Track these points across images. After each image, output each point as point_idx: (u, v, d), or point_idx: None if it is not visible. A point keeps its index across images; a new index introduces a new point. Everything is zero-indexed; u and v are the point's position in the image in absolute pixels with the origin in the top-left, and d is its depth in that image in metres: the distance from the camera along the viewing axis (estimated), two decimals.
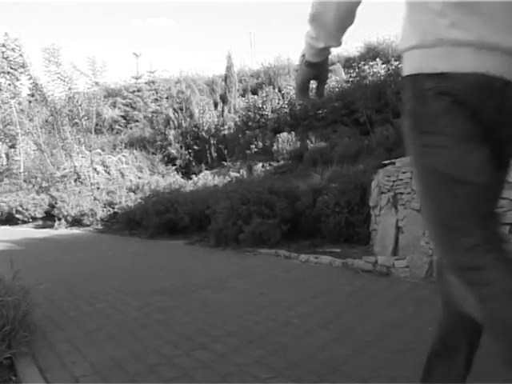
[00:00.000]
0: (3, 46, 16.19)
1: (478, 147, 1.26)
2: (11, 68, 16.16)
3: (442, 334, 1.65)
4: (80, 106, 13.98)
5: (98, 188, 11.94)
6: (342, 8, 1.30)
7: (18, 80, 16.53)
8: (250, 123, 13.45)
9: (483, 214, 1.27)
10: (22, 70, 16.24)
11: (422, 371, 1.64)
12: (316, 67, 1.46)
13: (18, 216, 11.88)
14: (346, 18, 1.33)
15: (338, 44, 1.39)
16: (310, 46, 1.39)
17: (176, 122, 14.76)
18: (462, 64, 1.24)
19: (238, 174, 10.91)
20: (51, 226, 11.03)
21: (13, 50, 16.29)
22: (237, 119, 14.35)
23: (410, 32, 1.31)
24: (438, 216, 1.32)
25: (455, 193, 1.28)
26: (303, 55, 1.44)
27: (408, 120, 1.31)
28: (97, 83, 14.67)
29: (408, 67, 1.32)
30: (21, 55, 16.09)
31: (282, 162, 11.03)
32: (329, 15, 1.30)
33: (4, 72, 16.03)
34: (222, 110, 15.47)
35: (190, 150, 13.99)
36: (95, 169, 12.75)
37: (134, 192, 11.25)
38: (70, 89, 13.80)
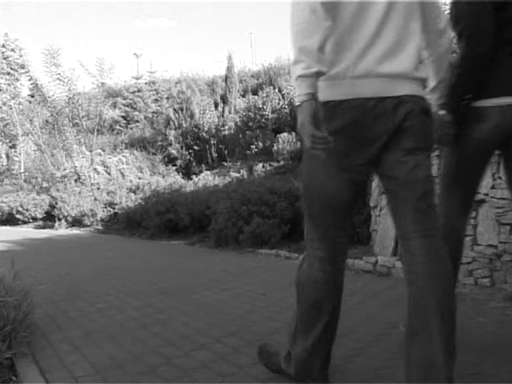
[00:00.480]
0: (3, 46, 16.22)
1: (349, 167, 1.69)
2: (11, 69, 16.18)
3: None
4: (80, 106, 13.98)
5: (98, 188, 11.94)
6: (322, 40, 1.54)
7: (17, 81, 16.55)
8: (250, 123, 13.44)
9: (334, 223, 1.80)
10: (22, 70, 16.26)
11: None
12: (311, 100, 1.57)
13: (18, 216, 11.88)
14: (323, 49, 1.57)
15: (325, 68, 1.59)
16: (303, 79, 1.56)
17: (176, 123, 14.76)
18: (348, 92, 1.63)
19: (238, 175, 10.91)
20: (51, 227, 11.03)
21: (12, 50, 16.31)
22: (237, 119, 14.34)
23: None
24: (307, 203, 1.85)
25: (320, 202, 1.80)
26: (299, 102, 1.60)
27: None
28: (103, 84, 14.70)
29: (322, 95, 1.62)
30: (21, 56, 16.11)
31: (282, 163, 11.03)
32: (312, 46, 1.53)
33: (4, 73, 16.05)
34: (223, 111, 15.47)
35: (190, 151, 13.99)
36: (95, 169, 12.75)
37: (134, 192, 11.25)
38: (69, 90, 13.81)
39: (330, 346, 1.92)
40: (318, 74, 1.56)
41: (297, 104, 1.62)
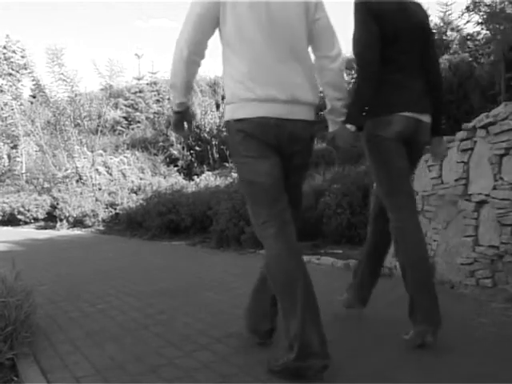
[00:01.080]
0: (4, 47, 16.25)
1: (265, 160, 2.12)
2: (12, 69, 16.21)
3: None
4: (82, 106, 14.00)
5: (99, 189, 11.95)
6: (184, 81, 2.22)
7: (19, 82, 16.58)
8: None
9: (270, 202, 2.13)
10: (23, 71, 16.29)
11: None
12: (180, 114, 2.36)
13: (19, 217, 11.90)
14: (187, 85, 2.26)
15: (188, 99, 2.33)
16: (173, 102, 2.33)
17: None
18: (250, 112, 2.09)
19: None
20: (53, 227, 11.04)
21: (14, 52, 16.34)
22: None
23: (226, 92, 2.19)
24: (248, 204, 2.21)
25: (253, 189, 2.15)
26: (172, 115, 2.41)
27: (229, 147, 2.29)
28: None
29: (226, 115, 2.23)
30: (22, 57, 16.13)
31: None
32: (178, 84, 2.23)
33: (5, 74, 16.07)
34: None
35: (191, 151, 13.99)
36: (97, 170, 12.76)
37: (135, 193, 11.25)
38: (72, 90, 13.83)
39: (317, 320, 2.05)
40: (182, 104, 2.31)
41: (172, 117, 2.43)
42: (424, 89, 2.52)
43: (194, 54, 2.14)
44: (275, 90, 2.08)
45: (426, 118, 2.52)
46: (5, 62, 16.11)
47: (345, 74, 2.55)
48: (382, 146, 2.47)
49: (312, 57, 2.26)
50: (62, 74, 13.72)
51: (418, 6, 2.57)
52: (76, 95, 13.97)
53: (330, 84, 2.29)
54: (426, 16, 2.60)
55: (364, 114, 2.45)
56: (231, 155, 2.37)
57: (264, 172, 2.11)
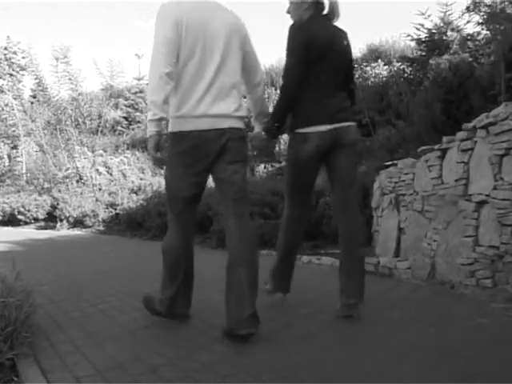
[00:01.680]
0: (5, 48, 16.26)
1: (194, 169, 2.64)
2: (13, 70, 16.22)
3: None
4: (83, 106, 13.99)
5: (99, 189, 11.95)
6: (164, 97, 2.48)
7: (20, 82, 16.60)
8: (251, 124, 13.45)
9: (184, 203, 2.71)
10: (24, 72, 16.30)
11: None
12: (158, 132, 2.56)
13: (20, 217, 11.89)
14: (166, 101, 2.52)
15: (167, 115, 2.58)
16: (152, 120, 2.53)
17: None
18: (190, 125, 2.56)
19: None
20: (53, 227, 11.04)
21: (15, 53, 16.36)
22: None
23: (171, 107, 2.59)
24: (167, 197, 2.81)
25: (174, 190, 2.70)
26: (149, 135, 2.57)
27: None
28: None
29: (169, 127, 2.65)
30: (23, 57, 16.16)
31: (284, 164, 11.03)
32: (159, 100, 2.48)
33: (5, 73, 16.09)
34: None
35: None
36: (97, 170, 12.76)
37: (135, 193, 11.25)
38: (76, 90, 13.83)
39: (189, 294, 2.90)
40: (161, 119, 2.53)
41: (148, 136, 2.58)
42: (342, 103, 2.97)
43: (169, 75, 2.49)
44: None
45: (344, 124, 2.91)
46: (5, 62, 16.12)
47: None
48: (296, 162, 2.96)
49: (240, 83, 2.80)
50: (68, 72, 13.74)
51: (344, 33, 3.02)
52: (80, 94, 13.96)
53: (256, 104, 2.99)
54: (349, 43, 3.03)
55: (276, 126, 2.95)
56: (169, 158, 2.77)
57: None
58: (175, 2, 2.60)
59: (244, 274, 2.52)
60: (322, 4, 2.95)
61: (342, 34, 2.98)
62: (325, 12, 2.96)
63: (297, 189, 3.06)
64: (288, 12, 3.03)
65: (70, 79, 13.71)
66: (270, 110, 3.06)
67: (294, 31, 2.84)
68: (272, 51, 35.78)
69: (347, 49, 3.01)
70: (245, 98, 3.36)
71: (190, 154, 2.58)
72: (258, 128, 3.03)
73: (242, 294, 2.51)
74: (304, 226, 3.27)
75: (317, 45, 2.80)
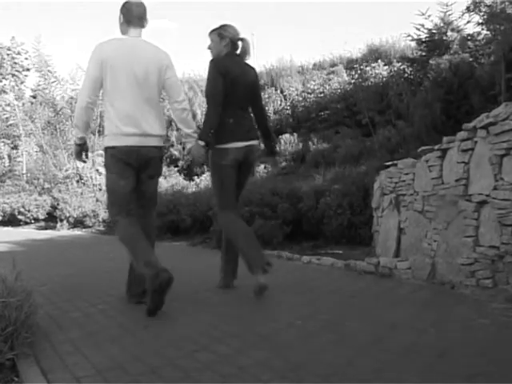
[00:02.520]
0: (9, 49, 16.26)
1: (127, 176, 3.27)
2: (16, 71, 16.22)
3: None
4: None
5: (100, 189, 11.94)
6: (85, 122, 3.34)
7: (22, 83, 16.60)
8: None
9: (123, 203, 3.28)
10: (26, 72, 16.31)
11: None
12: (80, 146, 3.51)
13: (20, 217, 11.89)
14: (87, 125, 3.40)
15: (86, 135, 3.51)
16: (75, 136, 3.49)
17: None
18: (119, 142, 3.23)
19: None
20: (53, 227, 11.04)
21: (19, 53, 16.36)
22: None
23: (106, 127, 3.30)
24: (109, 200, 3.41)
25: (115, 194, 3.32)
26: (74, 147, 3.59)
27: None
28: None
29: (105, 143, 3.36)
30: (26, 58, 16.16)
31: (284, 164, 11.02)
32: (80, 124, 3.35)
33: (8, 73, 16.08)
34: None
35: None
36: (97, 170, 12.75)
37: None
38: (73, 90, 13.84)
39: (152, 256, 3.24)
40: (82, 138, 3.45)
41: (74, 147, 3.66)
42: (251, 123, 3.77)
43: (91, 104, 3.28)
44: (134, 128, 3.26)
45: (254, 142, 3.72)
46: (9, 62, 16.12)
47: None
48: (222, 171, 3.63)
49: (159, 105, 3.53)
50: (56, 77, 13.80)
51: (253, 69, 3.87)
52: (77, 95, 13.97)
53: (178, 119, 3.54)
54: (256, 76, 3.91)
55: (211, 133, 3.53)
56: (106, 168, 3.48)
57: (123, 184, 3.29)
58: (105, 44, 3.30)
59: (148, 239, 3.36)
60: (236, 44, 3.69)
61: (250, 70, 3.81)
62: (238, 51, 3.73)
63: (224, 191, 3.69)
64: (209, 48, 3.71)
65: (58, 83, 13.76)
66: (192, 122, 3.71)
67: (213, 64, 3.58)
68: (272, 52, 35.79)
69: (255, 81, 3.85)
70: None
71: (123, 161, 3.28)
72: (189, 143, 3.66)
73: (149, 248, 3.30)
74: (242, 222, 3.82)
75: (230, 76, 3.53)
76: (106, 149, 3.34)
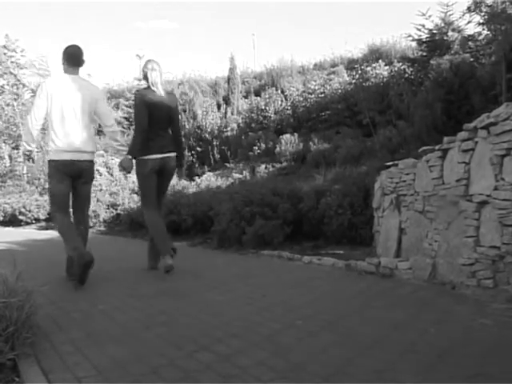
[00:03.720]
0: (4, 47, 16.26)
1: (65, 183, 4.28)
2: (13, 69, 16.23)
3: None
4: None
5: (100, 190, 11.94)
6: (32, 139, 4.41)
7: (19, 81, 16.60)
8: (252, 125, 13.45)
9: (62, 203, 4.31)
10: (23, 70, 16.32)
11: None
12: (28, 155, 4.55)
13: (21, 217, 11.89)
14: (33, 140, 4.43)
15: (33, 148, 4.52)
16: (25, 148, 4.51)
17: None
18: (59, 156, 4.24)
19: (240, 176, 10.90)
20: (54, 228, 11.01)
21: (14, 50, 16.36)
22: (240, 121, 14.34)
23: (49, 145, 4.31)
24: (51, 200, 4.50)
25: (55, 196, 4.35)
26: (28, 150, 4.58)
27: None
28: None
29: (48, 157, 4.38)
30: (22, 56, 16.17)
31: (284, 164, 11.02)
32: (29, 140, 4.43)
33: (6, 73, 16.09)
34: (225, 112, 15.46)
35: (192, 152, 13.99)
36: (98, 170, 12.75)
37: (136, 194, 11.23)
38: None
39: (81, 245, 4.22)
40: (30, 151, 4.44)
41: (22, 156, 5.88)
42: (169, 141, 4.72)
43: (36, 126, 4.29)
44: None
45: (169, 155, 4.67)
46: (5, 60, 16.13)
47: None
48: (143, 177, 4.67)
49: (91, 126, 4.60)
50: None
51: (173, 95, 5.08)
52: None
53: (111, 139, 4.71)
54: (174, 102, 4.87)
55: (138, 149, 4.53)
56: (48, 176, 4.46)
57: (62, 189, 4.28)
58: (50, 80, 4.59)
59: (83, 232, 4.45)
60: (147, 77, 4.64)
61: (169, 96, 4.78)
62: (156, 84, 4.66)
63: (148, 193, 4.72)
64: (139, 81, 5.07)
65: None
66: (121, 139, 4.81)
67: (137, 95, 4.64)
68: (273, 52, 35.78)
69: (172, 107, 4.73)
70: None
71: (62, 170, 4.24)
72: (119, 156, 4.98)
73: (78, 237, 4.25)
74: (162, 219, 4.88)
75: (149, 104, 4.53)
76: (49, 161, 4.31)
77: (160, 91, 4.61)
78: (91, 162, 4.47)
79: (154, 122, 4.55)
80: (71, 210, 4.53)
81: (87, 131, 4.36)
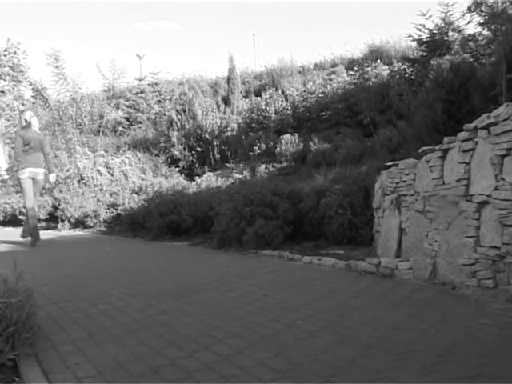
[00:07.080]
0: (5, 50, 16.31)
1: (30, 185, 7.80)
2: (13, 71, 16.26)
3: None
4: (83, 107, 14.00)
5: (101, 189, 11.94)
6: (17, 161, 7.95)
7: (20, 82, 16.64)
8: (253, 125, 13.44)
9: (30, 197, 7.97)
10: (24, 73, 16.35)
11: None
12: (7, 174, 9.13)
13: (21, 217, 11.87)
14: (18, 163, 7.98)
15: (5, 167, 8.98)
16: (2, 168, 9.19)
17: (179, 124, 14.74)
18: (26, 174, 7.74)
19: (241, 176, 10.90)
20: (54, 228, 11.04)
21: (15, 53, 16.40)
22: (240, 121, 14.34)
23: (20, 166, 7.84)
24: (24, 195, 8.01)
25: (27, 194, 7.93)
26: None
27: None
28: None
29: (18, 175, 8.02)
30: (24, 58, 16.20)
31: (285, 164, 11.02)
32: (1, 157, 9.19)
33: (7, 74, 16.13)
34: (225, 112, 15.45)
35: (193, 152, 13.99)
36: (98, 170, 12.74)
37: (137, 193, 11.24)
38: (75, 92, 13.85)
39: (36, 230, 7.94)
40: (6, 169, 9.23)
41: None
42: (39, 160, 7.77)
43: (18, 153, 7.64)
44: (32, 165, 7.69)
45: (37, 170, 7.74)
46: (6, 63, 16.17)
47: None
48: (23, 181, 7.67)
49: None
50: (62, 74, 13.74)
51: (39, 134, 8.02)
52: (81, 98, 13.99)
53: (47, 162, 7.94)
54: (42, 135, 8.12)
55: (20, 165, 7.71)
56: (20, 185, 8.00)
57: (30, 186, 7.68)
58: (21, 129, 7.78)
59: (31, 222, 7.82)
60: (29, 121, 7.77)
61: (39, 134, 7.90)
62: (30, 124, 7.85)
63: (28, 192, 7.62)
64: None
65: (65, 79, 13.75)
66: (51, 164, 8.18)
67: (18, 131, 7.71)
68: (273, 52, 35.77)
69: (41, 139, 7.81)
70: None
71: (28, 181, 7.63)
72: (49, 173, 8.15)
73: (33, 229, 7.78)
74: (34, 212, 7.89)
75: (25, 137, 7.56)
76: (19, 178, 7.73)
77: (34, 131, 7.78)
78: (44, 173, 8.01)
79: (29, 148, 7.61)
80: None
81: (40, 157, 7.88)
